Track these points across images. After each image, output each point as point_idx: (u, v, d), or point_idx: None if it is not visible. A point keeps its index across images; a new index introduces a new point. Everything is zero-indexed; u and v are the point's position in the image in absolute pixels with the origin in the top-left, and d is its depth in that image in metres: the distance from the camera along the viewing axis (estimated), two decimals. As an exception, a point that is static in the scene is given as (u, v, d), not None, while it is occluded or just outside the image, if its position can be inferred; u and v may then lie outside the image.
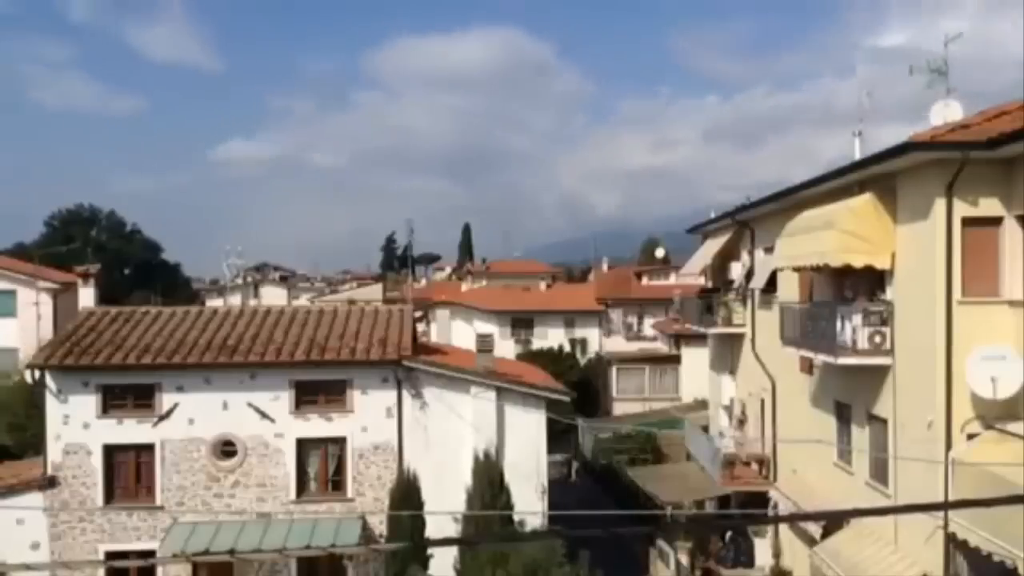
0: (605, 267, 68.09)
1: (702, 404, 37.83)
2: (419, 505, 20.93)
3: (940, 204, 15.74)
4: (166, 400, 23.16)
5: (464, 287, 65.95)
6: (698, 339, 38.25)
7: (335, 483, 23.61)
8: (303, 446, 23.44)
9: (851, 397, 20.00)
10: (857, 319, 18.07)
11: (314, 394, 23.53)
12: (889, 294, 18.05)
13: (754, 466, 26.54)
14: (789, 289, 23.65)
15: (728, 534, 26.72)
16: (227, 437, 23.21)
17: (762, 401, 26.61)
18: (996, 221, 15.75)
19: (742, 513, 26.75)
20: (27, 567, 5.51)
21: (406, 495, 21.07)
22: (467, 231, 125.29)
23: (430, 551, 20.33)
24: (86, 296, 26.95)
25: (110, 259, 69.83)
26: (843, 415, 20.65)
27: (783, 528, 24.83)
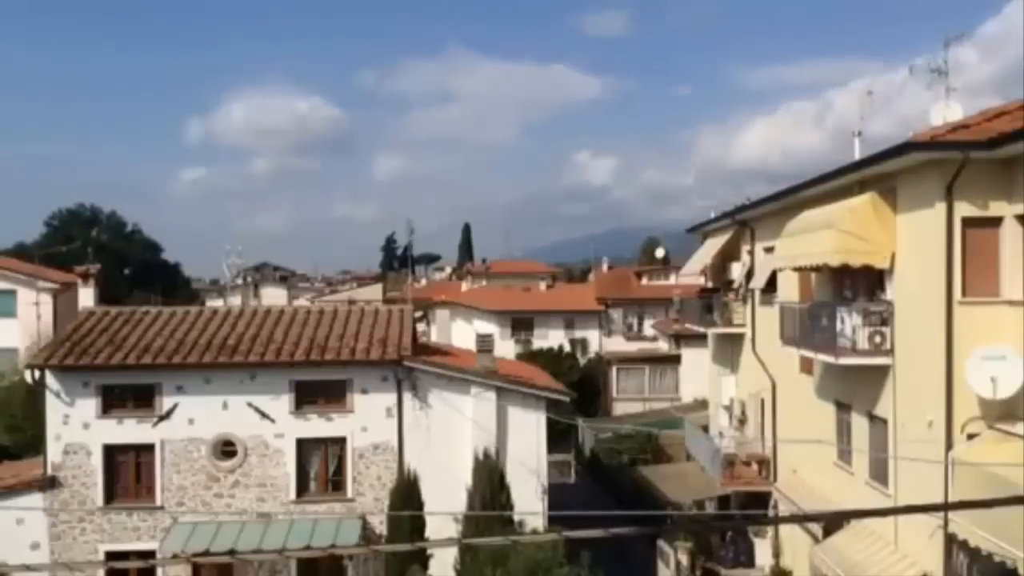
0: (605, 267, 68.03)
1: (702, 404, 37.83)
2: (419, 505, 20.93)
3: (940, 204, 15.73)
4: (166, 400, 23.15)
5: (464, 287, 65.95)
6: (698, 339, 38.24)
7: (335, 483, 23.60)
8: (303, 446, 23.43)
9: (851, 397, 20.00)
10: (857, 319, 18.06)
11: (314, 394, 23.52)
12: (889, 294, 18.05)
13: (754, 466, 26.53)
14: (789, 289, 23.65)
15: (728, 534, 26.72)
16: (227, 437, 23.20)
17: (762, 401, 26.61)
18: (996, 221, 15.72)
19: (742, 513, 26.76)
20: (27, 568, 5.51)
21: (406, 495, 21.07)
22: (467, 231, 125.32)
23: (430, 551, 20.33)
24: (86, 296, 26.93)
25: (110, 259, 69.70)
26: (843, 415, 20.64)
27: (783, 528, 24.81)
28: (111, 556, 22.73)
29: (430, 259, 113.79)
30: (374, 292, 66.80)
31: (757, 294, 26.63)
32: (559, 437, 33.13)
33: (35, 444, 25.88)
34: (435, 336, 44.05)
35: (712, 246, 30.64)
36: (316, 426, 23.38)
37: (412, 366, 23.35)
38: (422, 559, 20.12)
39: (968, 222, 15.71)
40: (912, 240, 16.99)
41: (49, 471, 22.93)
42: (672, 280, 56.15)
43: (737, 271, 28.92)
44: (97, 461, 22.92)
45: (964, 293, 15.71)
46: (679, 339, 47.30)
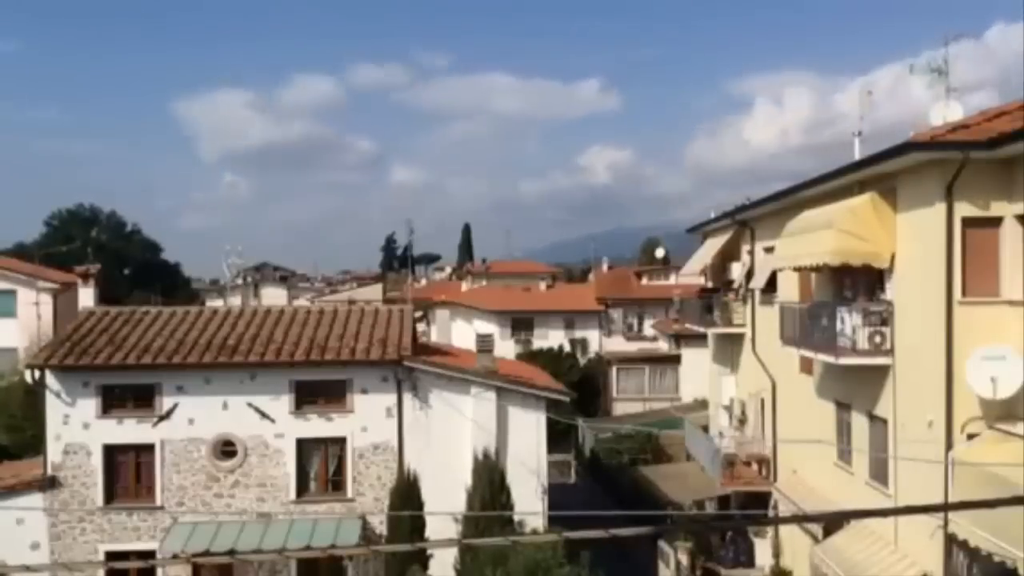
0: (605, 267, 68.03)
1: (702, 404, 37.83)
2: (419, 505, 20.93)
3: (940, 204, 15.73)
4: (166, 400, 23.15)
5: (464, 287, 65.93)
6: (698, 339, 38.24)
7: (335, 483, 23.60)
8: (303, 446, 23.43)
9: (851, 397, 20.00)
10: (857, 319, 18.06)
11: (314, 394, 23.52)
12: (889, 294, 18.05)
13: (754, 466, 26.54)
14: (789, 289, 23.64)
15: (728, 534, 26.71)
16: (227, 437, 23.20)
17: (762, 401, 26.61)
18: (996, 221, 15.73)
19: (742, 513, 26.76)
20: (27, 568, 5.50)
21: (406, 495, 21.07)
22: (467, 231, 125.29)
23: (430, 551, 20.32)
24: (86, 296, 26.94)
25: (110, 259, 69.64)
26: (843, 415, 20.64)
27: (783, 528, 24.81)
28: (111, 556, 22.72)
29: (430, 259, 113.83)
30: (374, 292, 66.75)
31: (757, 294, 26.63)
32: (559, 437, 33.14)
33: (35, 444, 25.87)
34: (435, 336, 44.03)
35: (712, 246, 30.64)
36: (316, 426, 23.38)
37: (412, 366, 23.35)
38: (422, 559, 20.12)
39: (968, 222, 15.71)
40: (912, 240, 16.98)
41: (49, 471, 22.92)
42: (672, 280, 56.14)
43: (737, 271, 28.92)
44: (97, 461, 22.92)
45: (964, 293, 15.71)
46: (679, 339, 47.30)
